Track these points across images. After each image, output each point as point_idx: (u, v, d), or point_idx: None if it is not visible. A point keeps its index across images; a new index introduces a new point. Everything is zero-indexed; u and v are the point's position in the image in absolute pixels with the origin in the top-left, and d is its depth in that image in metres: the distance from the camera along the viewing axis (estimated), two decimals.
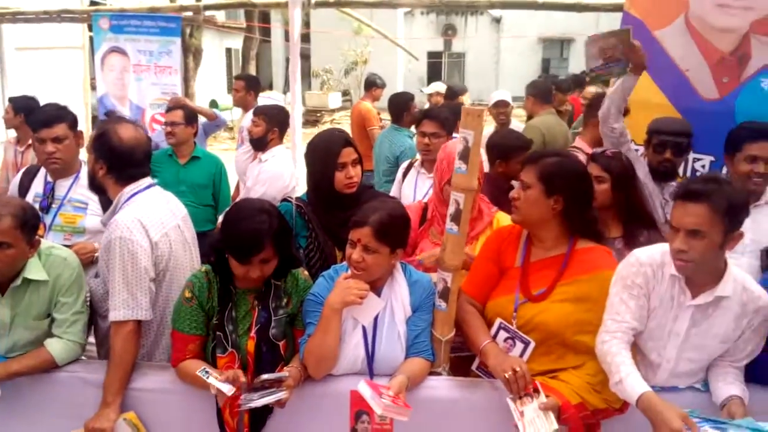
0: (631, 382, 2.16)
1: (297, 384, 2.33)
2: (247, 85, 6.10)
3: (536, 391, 2.23)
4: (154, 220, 2.60)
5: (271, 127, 4.44)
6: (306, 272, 2.59)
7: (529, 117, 5.64)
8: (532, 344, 2.38)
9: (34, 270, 2.50)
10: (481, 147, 2.46)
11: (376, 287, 2.46)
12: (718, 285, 2.28)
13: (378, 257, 2.36)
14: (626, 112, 4.04)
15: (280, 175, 4.27)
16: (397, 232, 2.42)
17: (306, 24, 23.99)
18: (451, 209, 2.42)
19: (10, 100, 5.28)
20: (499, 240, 2.61)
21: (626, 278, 2.32)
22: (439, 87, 7.99)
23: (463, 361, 2.59)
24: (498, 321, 2.43)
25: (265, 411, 2.35)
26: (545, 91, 5.63)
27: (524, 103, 5.69)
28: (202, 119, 5.90)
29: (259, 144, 4.48)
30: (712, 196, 2.14)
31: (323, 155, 2.89)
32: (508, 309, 2.46)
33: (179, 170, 4.64)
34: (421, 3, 5.41)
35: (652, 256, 2.34)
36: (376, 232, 2.33)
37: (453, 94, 6.81)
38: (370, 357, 2.43)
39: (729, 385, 2.33)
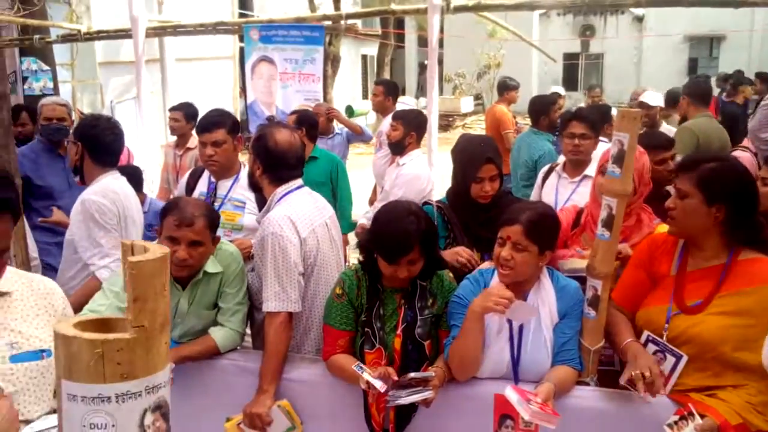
0: None
1: (442, 384, 2.36)
2: (386, 90, 6.23)
3: (691, 414, 2.10)
4: (303, 218, 2.73)
5: (409, 131, 4.51)
6: (451, 274, 2.62)
7: (683, 119, 5.34)
8: (685, 358, 2.25)
9: (211, 264, 2.71)
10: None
11: (523, 291, 2.44)
12: None
13: (527, 256, 2.36)
14: None
15: (418, 178, 4.34)
16: (547, 232, 2.42)
17: (440, 29, 24.20)
18: (603, 214, 2.35)
19: (178, 107, 5.72)
20: (653, 247, 2.49)
21: None
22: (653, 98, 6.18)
23: (612, 375, 2.50)
24: (646, 333, 2.32)
25: (411, 408, 2.40)
26: (703, 91, 5.29)
27: (679, 103, 5.40)
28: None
29: (398, 148, 4.57)
30: None
31: (465, 165, 2.97)
32: (659, 319, 2.35)
33: None
34: (561, 3, 5.24)
35: None
36: (527, 230, 2.34)
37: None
38: (516, 362, 2.41)
39: None
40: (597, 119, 3.92)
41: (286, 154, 2.80)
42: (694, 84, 5.30)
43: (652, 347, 2.33)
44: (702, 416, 2.12)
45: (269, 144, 2.78)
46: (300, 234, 2.68)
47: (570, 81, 26.33)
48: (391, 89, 6.32)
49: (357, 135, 6.28)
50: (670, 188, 2.51)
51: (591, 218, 2.80)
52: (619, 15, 26.89)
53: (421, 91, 23.97)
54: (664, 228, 2.70)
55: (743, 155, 3.80)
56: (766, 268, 2.29)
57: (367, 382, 2.24)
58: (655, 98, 5.41)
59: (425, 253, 2.42)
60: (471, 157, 2.96)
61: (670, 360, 2.29)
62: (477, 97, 23.09)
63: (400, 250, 2.36)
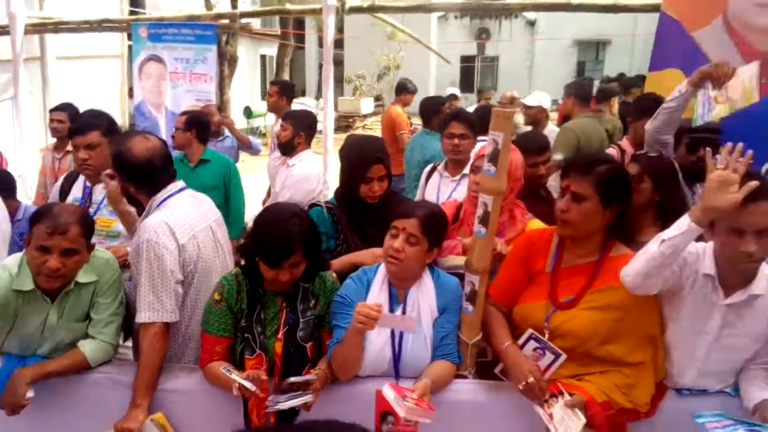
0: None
1: (323, 386, 2.34)
2: (281, 90, 6.16)
3: (561, 392, 2.21)
4: (182, 223, 2.63)
5: (298, 132, 4.47)
6: (334, 275, 2.60)
7: (566, 118, 5.56)
8: (563, 357, 2.33)
9: (83, 273, 2.56)
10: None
11: (405, 287, 2.48)
12: (752, 283, 2.24)
13: (417, 251, 2.41)
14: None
15: (307, 179, 4.30)
16: (439, 230, 2.49)
17: (339, 30, 24.18)
18: (480, 211, 2.41)
19: (60, 108, 5.38)
20: (529, 243, 2.56)
21: None
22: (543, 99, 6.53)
23: (488, 365, 2.56)
24: (529, 331, 2.39)
25: (292, 413, 2.36)
26: (586, 92, 5.54)
27: (563, 102, 5.61)
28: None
29: (287, 148, 4.51)
30: None
31: (354, 165, 2.97)
32: (536, 316, 2.42)
33: (189, 173, 4.68)
34: (454, 6, 5.40)
35: (696, 248, 2.31)
36: (423, 224, 2.40)
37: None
38: (396, 359, 2.43)
39: (761, 390, 2.27)
40: (476, 120, 4.01)
41: (151, 161, 2.67)
42: (578, 85, 5.53)
43: (533, 344, 2.39)
44: (571, 394, 2.23)
45: (129, 159, 2.64)
46: (178, 240, 2.59)
47: (467, 83, 27.09)
48: (286, 90, 6.26)
49: (245, 147, 6.17)
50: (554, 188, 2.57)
51: (469, 214, 2.86)
52: (512, 19, 27.89)
53: (321, 92, 23.91)
54: (536, 223, 2.80)
55: (611, 151, 4.05)
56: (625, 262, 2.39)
57: (239, 386, 2.19)
58: (537, 99, 5.59)
59: (308, 256, 2.38)
60: (360, 158, 2.96)
61: (549, 357, 2.36)
62: (377, 98, 23.26)
63: (282, 254, 2.31)
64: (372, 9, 6.03)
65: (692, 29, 4.44)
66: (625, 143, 4.38)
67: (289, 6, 7.29)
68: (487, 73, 29.07)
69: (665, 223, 3.00)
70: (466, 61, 28.67)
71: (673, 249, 2.10)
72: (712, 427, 2.09)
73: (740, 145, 2.06)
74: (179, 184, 2.79)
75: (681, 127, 3.61)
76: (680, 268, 2.26)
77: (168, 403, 2.50)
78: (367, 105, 21.95)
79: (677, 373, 2.39)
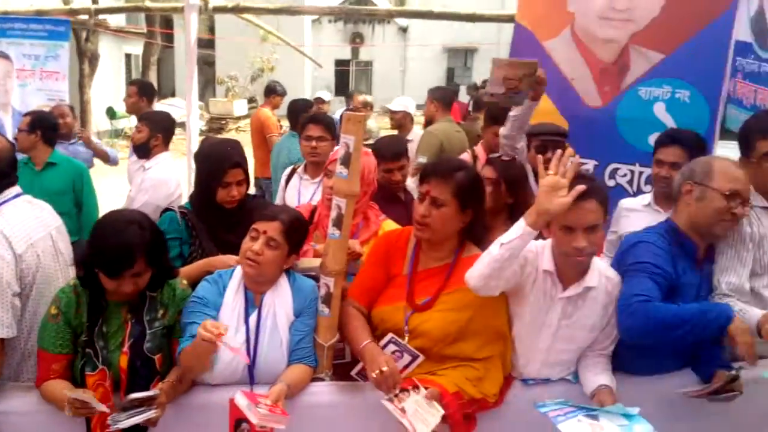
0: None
1: (171, 399, 2.24)
2: (140, 90, 5.88)
3: (415, 387, 2.24)
4: (19, 232, 2.46)
5: (154, 134, 4.29)
6: (185, 282, 2.50)
7: (429, 122, 5.69)
8: (421, 358, 2.38)
9: None
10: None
11: (260, 292, 2.44)
12: (586, 276, 2.40)
13: (277, 255, 2.39)
14: None
15: (164, 182, 4.13)
16: (299, 236, 2.48)
17: (211, 29, 23.50)
18: (333, 214, 2.42)
19: None
20: (388, 244, 2.60)
21: None
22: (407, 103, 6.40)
23: (345, 367, 2.57)
24: (389, 335, 2.41)
25: (138, 430, 2.24)
26: (449, 98, 5.70)
27: (426, 107, 5.73)
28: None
29: (143, 151, 4.31)
30: (597, 192, 2.29)
31: (210, 169, 2.89)
32: (395, 318, 2.46)
33: (34, 177, 4.38)
34: (321, 10, 5.42)
35: (536, 246, 2.43)
36: (285, 228, 2.38)
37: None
38: (251, 365, 2.38)
39: (597, 376, 2.44)
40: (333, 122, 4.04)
41: None
42: (440, 90, 5.68)
43: (392, 347, 2.41)
44: (426, 388, 2.27)
45: None
46: (14, 250, 2.41)
47: (342, 86, 27.21)
48: (146, 90, 5.98)
49: (102, 159, 5.83)
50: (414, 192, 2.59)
51: (322, 216, 2.86)
52: (385, 25, 28.40)
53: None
54: (389, 224, 2.85)
55: (465, 157, 4.21)
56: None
57: (72, 404, 2.06)
58: (402, 104, 5.69)
59: (152, 264, 2.27)
60: (217, 161, 2.89)
61: (407, 358, 2.39)
62: (251, 100, 22.83)
63: (121, 264, 2.19)
64: (237, 9, 5.90)
65: (543, 39, 4.68)
66: (479, 149, 4.57)
67: (149, 3, 6.98)
68: (361, 77, 29.41)
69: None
70: (341, 65, 28.86)
71: (512, 252, 2.20)
72: (553, 414, 2.20)
73: (569, 150, 2.19)
74: (15, 189, 2.61)
75: (530, 129, 3.81)
76: (521, 267, 2.37)
77: (4, 426, 2.30)
78: (240, 107, 21.49)
79: (523, 364, 2.51)
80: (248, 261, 2.38)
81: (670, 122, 4.13)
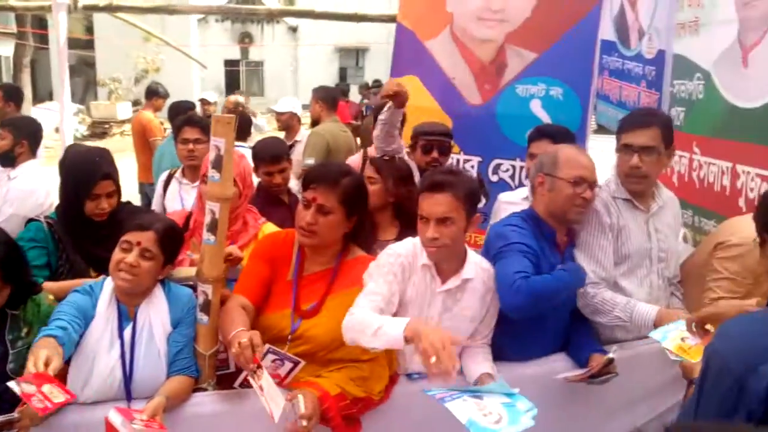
0: (391, 323, 2.16)
1: (36, 421, 2.09)
2: (6, 95, 5.52)
3: (259, 366, 2.15)
4: None
5: (19, 140, 4.01)
6: (51, 296, 2.37)
7: (315, 122, 5.67)
8: (302, 363, 2.32)
9: None
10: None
11: (134, 304, 2.35)
12: (463, 269, 2.46)
13: (152, 267, 2.30)
14: (404, 120, 4.23)
15: (32, 193, 3.86)
16: (175, 245, 2.40)
17: (89, 29, 22.39)
18: (207, 219, 2.35)
19: None
20: (274, 246, 2.56)
21: (383, 266, 2.40)
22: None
23: (230, 377, 2.50)
24: (267, 346, 2.30)
25: None
26: (333, 98, 5.69)
27: (311, 107, 5.70)
28: None
29: (6, 159, 4.03)
30: (454, 186, 2.34)
31: (78, 180, 2.77)
32: (281, 325, 2.42)
33: None
34: (198, 9, 5.24)
35: (407, 248, 2.46)
36: (160, 238, 2.29)
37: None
38: (128, 380, 2.29)
39: (479, 365, 2.51)
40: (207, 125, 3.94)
41: None
42: (325, 90, 5.67)
43: (271, 356, 2.35)
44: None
45: None
46: None
47: (232, 87, 26.64)
48: (12, 94, 5.64)
49: None
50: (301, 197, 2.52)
51: (198, 223, 2.78)
52: (275, 24, 28.04)
53: (72, 96, 21.96)
54: (269, 227, 2.81)
55: (354, 158, 4.21)
56: (364, 266, 2.48)
57: None
58: (288, 105, 5.63)
59: (9, 281, 2.12)
60: (86, 173, 2.77)
61: (288, 365, 2.33)
62: (135, 102, 21.89)
63: None
64: (110, 8, 5.63)
65: (425, 39, 4.77)
66: (371, 150, 4.58)
67: (14, 2, 6.53)
68: (252, 77, 28.90)
69: (403, 222, 3.20)
70: (231, 65, 28.24)
71: (381, 342, 2.18)
72: (440, 396, 2.24)
73: None
74: None
75: (416, 129, 3.87)
76: (395, 276, 2.39)
77: None
78: (124, 110, 20.56)
79: (407, 359, 2.54)
80: (121, 274, 2.27)
81: (546, 118, 4.31)
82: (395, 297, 2.39)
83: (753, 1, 3.17)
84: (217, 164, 2.27)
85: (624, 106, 4.78)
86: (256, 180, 3.72)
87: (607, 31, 4.63)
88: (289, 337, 2.40)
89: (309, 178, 2.46)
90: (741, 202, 3.40)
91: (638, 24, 4.32)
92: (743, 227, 2.74)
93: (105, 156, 2.90)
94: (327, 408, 2.24)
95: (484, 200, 3.85)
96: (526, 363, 2.67)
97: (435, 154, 3.64)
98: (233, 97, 7.91)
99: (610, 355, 2.52)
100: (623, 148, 2.76)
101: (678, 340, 2.34)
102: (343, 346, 2.37)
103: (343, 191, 2.40)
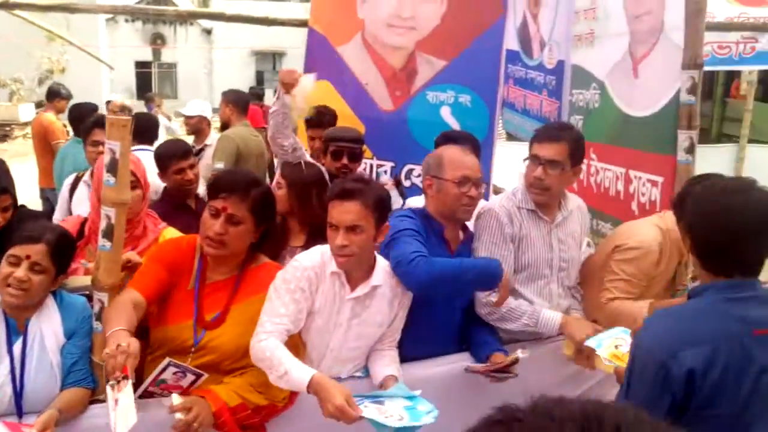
0: (297, 371, 2.19)
1: None
2: None
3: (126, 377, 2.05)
4: None
5: None
6: None
7: (225, 126, 5.57)
8: (205, 376, 2.27)
9: None
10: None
11: (24, 317, 2.24)
12: (372, 276, 2.48)
13: (43, 280, 2.21)
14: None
15: None
16: (67, 255, 2.31)
17: None
18: (103, 225, 2.28)
19: None
20: (174, 253, 2.48)
21: (290, 282, 2.37)
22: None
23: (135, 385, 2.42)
24: (167, 360, 2.23)
25: None
26: (245, 101, 5.61)
27: (221, 111, 5.59)
28: None
29: None
30: (364, 194, 2.35)
31: None
32: (182, 336, 2.36)
33: None
34: (99, 8, 5.06)
35: (314, 259, 2.44)
36: (51, 250, 2.20)
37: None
38: (18, 396, 2.19)
39: (385, 367, 2.53)
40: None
41: None
42: (235, 93, 5.57)
43: (172, 369, 2.29)
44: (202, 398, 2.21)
45: None
46: None
47: (144, 89, 25.82)
48: None
49: None
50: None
51: (94, 229, 2.69)
52: (188, 26, 27.41)
53: None
54: (171, 232, 2.74)
55: None
56: (269, 273, 2.46)
57: None
58: (197, 108, 5.51)
59: None
60: None
61: (190, 377, 2.28)
62: (39, 104, 20.84)
63: None
64: (5, 6, 5.32)
65: (336, 44, 4.80)
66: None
67: None
68: (165, 79, 28.11)
69: (312, 229, 3.19)
70: (142, 67, 27.39)
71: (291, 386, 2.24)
72: None
73: None
74: None
75: (327, 134, 3.88)
76: (303, 291, 2.38)
77: None
78: (26, 111, 19.53)
79: (316, 360, 2.52)
80: (9, 290, 2.16)
81: (455, 125, 4.41)
82: (302, 313, 2.39)
83: (642, 15, 3.37)
84: (113, 168, 2.20)
85: (528, 114, 4.96)
86: (161, 184, 3.64)
87: (511, 41, 4.79)
88: (192, 348, 2.35)
89: (217, 187, 2.41)
90: (634, 206, 3.60)
91: (540, 35, 4.49)
92: (640, 231, 2.91)
93: (3, 168, 2.78)
94: (223, 422, 2.21)
95: (401, 201, 3.92)
96: (427, 362, 2.72)
97: (345, 160, 3.63)
98: (119, 101, 7.62)
99: (519, 355, 2.59)
100: (531, 158, 2.83)
101: (612, 347, 2.49)
102: (248, 354, 2.35)
103: (254, 201, 2.37)
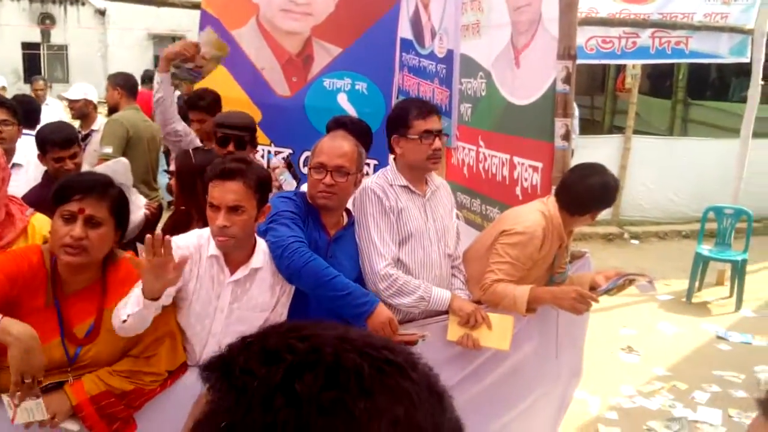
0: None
1: None
2: None
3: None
4: None
5: None
6: None
7: (113, 110, 5.37)
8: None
9: None
10: None
11: None
12: (252, 258, 2.47)
13: None
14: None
15: None
16: None
17: None
18: None
19: None
20: (22, 265, 2.19)
21: None
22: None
23: None
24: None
25: None
26: (133, 84, 5.42)
27: (108, 94, 5.38)
28: None
29: None
30: (245, 174, 2.34)
31: None
32: (53, 356, 2.18)
33: None
34: None
35: (188, 240, 2.43)
36: None
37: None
38: None
39: None
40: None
41: None
42: (124, 76, 5.37)
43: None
44: None
45: None
46: None
47: (33, 71, 24.37)
48: None
49: None
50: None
51: None
52: (79, 6, 26.03)
53: None
54: (39, 219, 2.59)
55: None
56: (129, 265, 2.29)
57: None
58: (81, 91, 5.30)
59: None
60: None
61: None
62: None
63: None
64: None
65: (231, 28, 4.73)
66: None
67: None
68: (55, 62, 26.57)
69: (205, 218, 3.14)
70: (30, 48, 25.80)
71: (141, 319, 2.18)
72: None
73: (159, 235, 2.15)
74: None
75: (216, 119, 3.82)
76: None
77: None
78: None
79: (198, 347, 2.51)
80: None
81: (352, 112, 4.46)
82: (171, 289, 2.30)
83: (522, 6, 3.52)
84: None
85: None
86: (41, 168, 3.49)
87: (405, 30, 4.88)
88: (69, 367, 2.24)
89: (68, 189, 2.20)
90: (518, 191, 3.76)
91: (431, 24, 4.60)
92: (526, 218, 3.08)
93: None
94: (84, 416, 2.18)
95: (294, 183, 3.93)
96: None
97: (231, 147, 3.53)
98: None
99: (425, 336, 2.72)
100: (424, 134, 2.92)
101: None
102: (124, 356, 2.32)
103: (113, 201, 2.24)
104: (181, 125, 3.71)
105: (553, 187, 3.32)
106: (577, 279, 3.34)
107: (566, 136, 3.31)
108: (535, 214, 3.08)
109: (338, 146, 2.71)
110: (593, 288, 3.19)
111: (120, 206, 2.29)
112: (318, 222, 2.75)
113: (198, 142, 3.81)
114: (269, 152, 4.74)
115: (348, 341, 0.62)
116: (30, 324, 2.08)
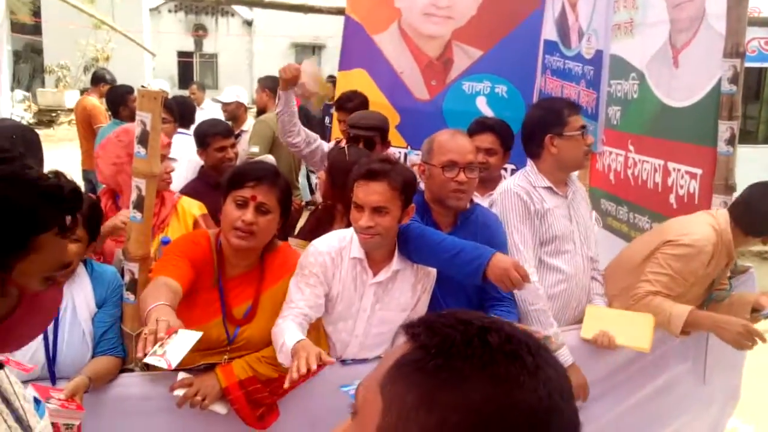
0: (290, 340, 2.12)
1: None
2: None
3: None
4: None
5: None
6: None
7: (261, 111, 5.62)
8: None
9: None
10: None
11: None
12: (393, 259, 2.45)
13: (80, 247, 2.26)
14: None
15: None
16: (97, 224, 2.35)
17: (35, 13, 21.72)
18: (134, 196, 2.32)
19: None
20: (195, 247, 2.35)
21: (304, 268, 2.37)
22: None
23: None
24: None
25: None
26: (277, 86, 5.64)
27: (257, 96, 5.65)
28: None
29: None
30: (390, 175, 2.31)
31: None
32: (213, 335, 2.30)
33: None
34: None
35: (330, 244, 2.43)
36: (84, 221, 2.20)
37: None
38: (52, 361, 2.24)
39: None
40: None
41: None
42: (271, 79, 5.59)
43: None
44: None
45: None
46: None
47: (186, 78, 26.23)
48: None
49: None
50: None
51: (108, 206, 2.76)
52: (229, 17, 27.72)
53: (18, 82, 21.33)
54: (187, 201, 2.77)
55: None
56: (288, 255, 2.45)
57: None
58: (234, 94, 5.58)
59: None
60: None
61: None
62: (84, 91, 21.37)
63: None
64: None
65: (373, 33, 4.80)
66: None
67: None
68: (206, 70, 28.48)
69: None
70: (184, 57, 27.81)
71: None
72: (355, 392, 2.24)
73: None
74: None
75: (349, 120, 3.87)
76: (317, 277, 2.36)
77: None
78: (72, 98, 20.00)
79: (340, 348, 2.53)
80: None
81: (491, 115, 4.37)
82: (320, 298, 2.36)
83: (683, 3, 3.29)
84: (143, 140, 2.24)
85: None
86: (192, 165, 3.71)
87: (549, 32, 4.72)
88: (228, 346, 2.34)
89: (243, 176, 2.33)
90: (672, 199, 3.51)
91: (578, 25, 4.41)
92: (696, 230, 2.83)
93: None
94: (232, 399, 2.24)
95: None
96: None
97: (360, 146, 3.58)
98: (154, 87, 7.78)
99: (553, 331, 2.63)
100: (582, 130, 2.89)
101: None
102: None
103: (281, 190, 2.34)
104: (297, 138, 3.80)
105: (714, 196, 3.07)
106: (738, 299, 3.05)
107: (731, 141, 3.04)
108: (706, 228, 2.83)
109: (466, 143, 2.63)
110: (756, 310, 2.91)
111: (286, 197, 2.38)
112: (430, 222, 2.66)
113: (324, 148, 3.90)
114: (405, 155, 4.76)
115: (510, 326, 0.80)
116: (197, 303, 2.27)
